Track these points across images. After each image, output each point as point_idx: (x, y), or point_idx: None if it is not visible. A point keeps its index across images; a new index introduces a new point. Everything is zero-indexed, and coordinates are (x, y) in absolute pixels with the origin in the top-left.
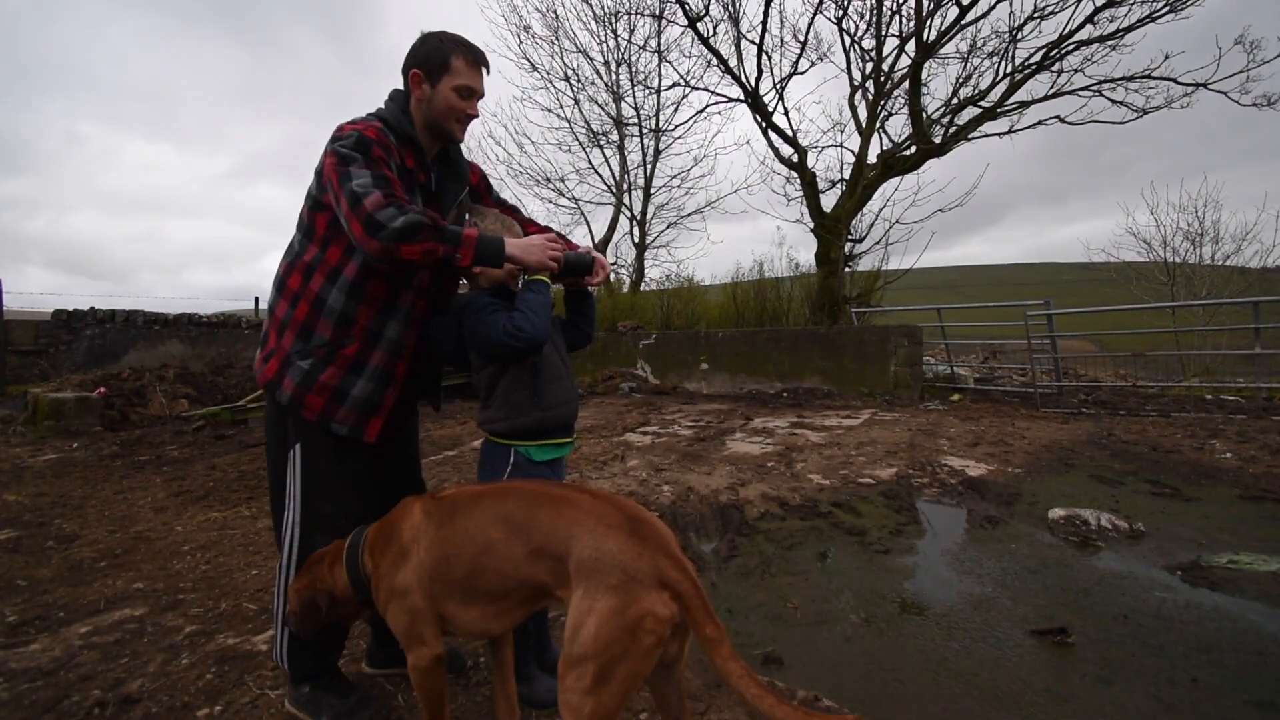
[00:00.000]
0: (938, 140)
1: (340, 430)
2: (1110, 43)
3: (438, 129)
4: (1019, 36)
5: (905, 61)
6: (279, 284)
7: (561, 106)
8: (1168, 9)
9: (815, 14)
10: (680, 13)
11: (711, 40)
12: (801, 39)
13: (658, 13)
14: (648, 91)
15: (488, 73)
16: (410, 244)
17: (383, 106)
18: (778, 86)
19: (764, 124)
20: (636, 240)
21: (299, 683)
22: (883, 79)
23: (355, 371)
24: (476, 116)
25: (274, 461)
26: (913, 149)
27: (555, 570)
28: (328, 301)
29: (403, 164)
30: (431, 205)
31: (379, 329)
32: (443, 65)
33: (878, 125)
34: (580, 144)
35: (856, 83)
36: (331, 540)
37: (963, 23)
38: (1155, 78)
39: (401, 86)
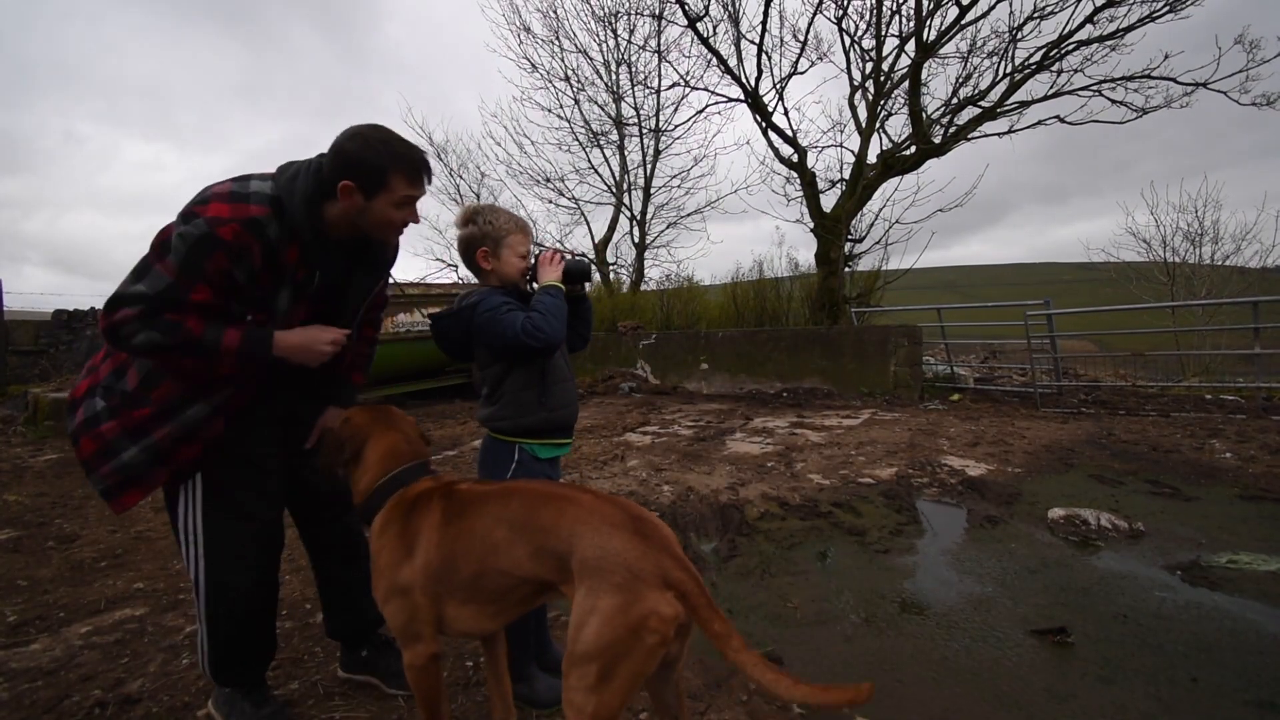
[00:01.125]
0: (937, 140)
1: (96, 485)
2: (1110, 43)
3: (368, 234)
4: (1019, 36)
5: (905, 61)
6: None
7: (561, 106)
8: (1167, 9)
9: (815, 14)
10: (680, 13)
11: (711, 40)
12: (801, 39)
13: (657, 13)
14: (648, 91)
15: (429, 181)
16: (156, 358)
17: (291, 179)
18: (777, 86)
19: (764, 124)
20: (636, 240)
21: (222, 685)
22: (882, 79)
23: (132, 437)
24: (418, 223)
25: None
26: (912, 149)
27: (559, 569)
28: None
29: (277, 260)
30: (321, 302)
31: (178, 406)
32: (380, 183)
33: (878, 125)
34: (580, 144)
35: (856, 83)
36: (241, 534)
37: (963, 22)
38: (1155, 77)
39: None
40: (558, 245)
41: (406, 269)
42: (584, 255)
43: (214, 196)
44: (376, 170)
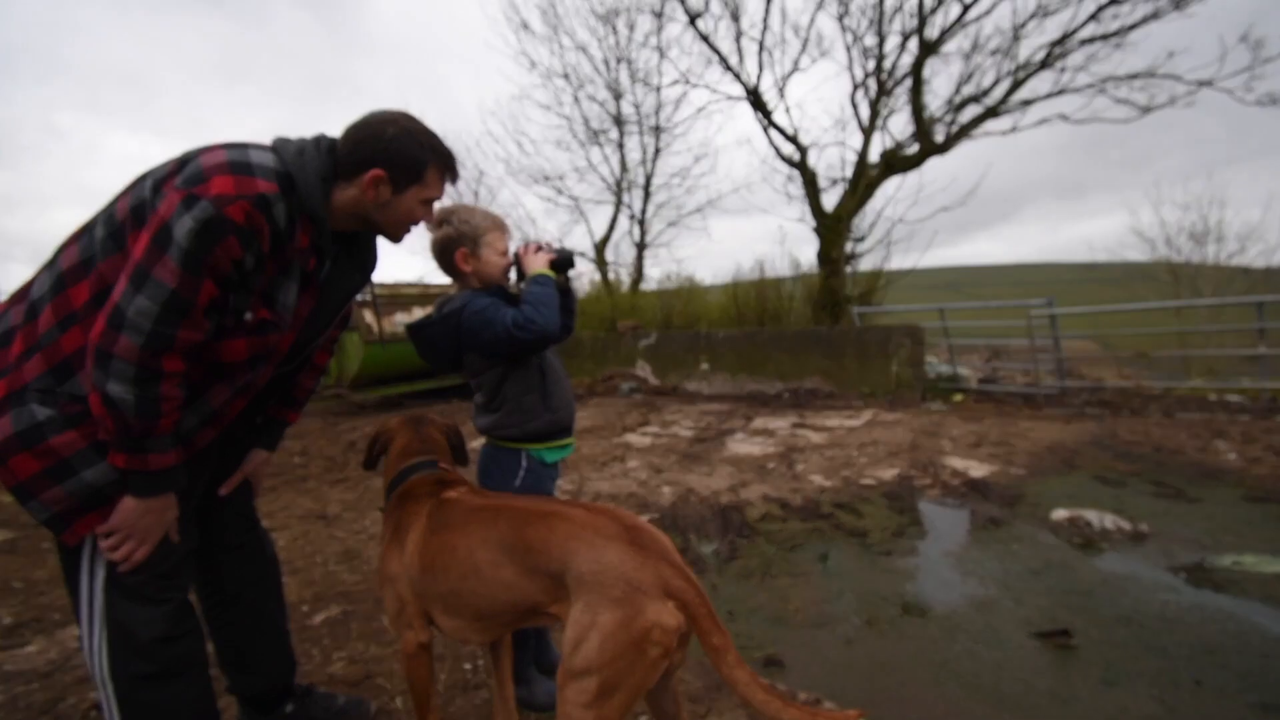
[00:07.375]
0: (940, 139)
1: (37, 514)
2: (1113, 41)
3: (376, 228)
4: (1021, 34)
5: (907, 59)
6: (58, 280)
7: (560, 104)
8: (1171, 6)
9: (817, 10)
10: (680, 9)
11: (712, 37)
12: (803, 36)
13: (658, 10)
14: (648, 89)
15: (452, 181)
16: (104, 412)
17: (299, 154)
18: (779, 84)
19: (765, 122)
20: (636, 239)
21: None
22: (885, 77)
23: (100, 451)
24: (429, 222)
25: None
26: (915, 147)
27: (550, 588)
28: None
29: (287, 244)
30: (314, 292)
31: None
32: (416, 175)
33: (880, 123)
34: (579, 142)
35: (858, 80)
36: (150, 610)
37: (965, 20)
38: (1158, 76)
39: (332, 134)
40: (538, 241)
41: (405, 269)
42: (567, 248)
43: (214, 170)
44: (416, 163)
